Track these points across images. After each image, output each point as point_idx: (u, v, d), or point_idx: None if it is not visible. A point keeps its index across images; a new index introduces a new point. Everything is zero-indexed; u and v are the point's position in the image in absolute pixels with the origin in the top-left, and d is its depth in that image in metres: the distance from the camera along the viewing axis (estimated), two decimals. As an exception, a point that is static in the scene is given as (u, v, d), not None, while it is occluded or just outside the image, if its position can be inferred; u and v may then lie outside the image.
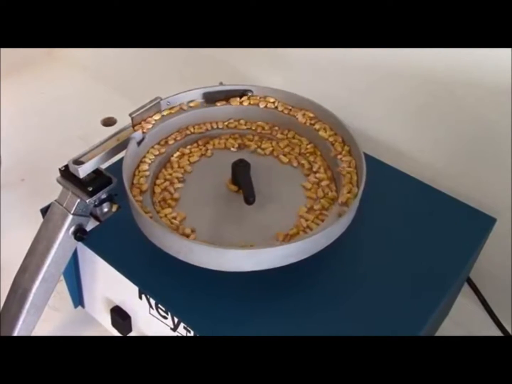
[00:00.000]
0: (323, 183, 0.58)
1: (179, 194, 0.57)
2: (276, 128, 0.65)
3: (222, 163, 0.59)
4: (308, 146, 0.62)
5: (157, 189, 0.57)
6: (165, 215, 0.55)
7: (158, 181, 0.58)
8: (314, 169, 0.60)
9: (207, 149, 0.62)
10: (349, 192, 0.55)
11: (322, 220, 0.54)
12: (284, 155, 0.62)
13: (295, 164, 0.61)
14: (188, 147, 0.63)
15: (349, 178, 0.57)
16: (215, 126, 0.65)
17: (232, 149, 0.63)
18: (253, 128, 0.65)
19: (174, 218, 0.54)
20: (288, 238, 0.53)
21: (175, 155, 0.61)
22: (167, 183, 0.58)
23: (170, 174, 0.59)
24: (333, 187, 0.58)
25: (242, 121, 0.65)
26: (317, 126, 0.62)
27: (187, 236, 0.52)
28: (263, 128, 0.65)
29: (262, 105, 0.64)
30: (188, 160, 0.61)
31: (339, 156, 0.59)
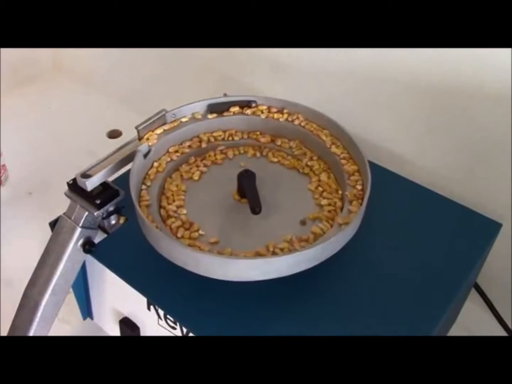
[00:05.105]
0: (328, 191, 0.59)
1: (186, 205, 0.58)
2: (281, 137, 0.65)
3: (228, 174, 0.60)
4: (313, 154, 0.63)
5: (164, 201, 0.58)
6: (172, 226, 0.55)
7: (164, 193, 0.59)
8: (319, 177, 0.60)
9: (213, 160, 0.63)
10: (354, 201, 0.56)
11: (328, 229, 0.55)
12: (289, 163, 0.62)
13: (300, 172, 0.62)
14: (194, 158, 0.63)
15: (354, 186, 0.57)
16: (220, 137, 0.65)
17: (237, 159, 0.63)
18: (258, 138, 0.65)
19: (183, 229, 0.55)
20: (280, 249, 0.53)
21: (181, 166, 0.62)
22: (174, 194, 0.59)
23: (177, 186, 0.59)
24: (339, 195, 0.58)
25: (247, 132, 0.66)
26: (319, 134, 0.63)
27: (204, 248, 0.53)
28: (268, 139, 0.65)
29: (266, 116, 0.65)
30: (195, 171, 0.61)
31: (344, 166, 0.59)
